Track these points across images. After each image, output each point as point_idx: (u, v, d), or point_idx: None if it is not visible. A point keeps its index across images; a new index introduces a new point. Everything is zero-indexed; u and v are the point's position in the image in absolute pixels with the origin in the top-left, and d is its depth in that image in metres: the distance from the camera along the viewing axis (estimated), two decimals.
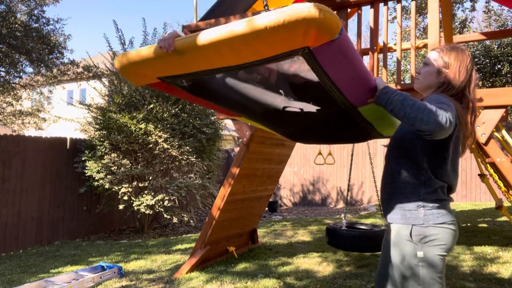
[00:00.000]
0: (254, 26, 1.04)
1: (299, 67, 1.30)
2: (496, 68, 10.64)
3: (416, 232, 1.66)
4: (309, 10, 1.00)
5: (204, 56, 1.29)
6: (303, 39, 1.06)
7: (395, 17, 11.12)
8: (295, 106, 1.66)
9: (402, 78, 8.51)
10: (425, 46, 5.56)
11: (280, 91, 1.56)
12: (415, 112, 1.46)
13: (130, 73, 1.51)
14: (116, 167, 6.41)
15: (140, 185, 6.51)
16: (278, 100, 1.63)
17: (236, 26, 1.10)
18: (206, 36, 1.20)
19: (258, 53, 1.18)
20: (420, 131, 1.51)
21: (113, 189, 6.59)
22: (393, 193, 1.75)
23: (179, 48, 1.31)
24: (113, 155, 6.47)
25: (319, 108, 1.67)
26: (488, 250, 4.89)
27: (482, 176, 4.61)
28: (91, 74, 11.13)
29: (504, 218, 7.16)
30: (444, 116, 1.46)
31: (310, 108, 1.68)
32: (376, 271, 1.91)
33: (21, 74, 11.75)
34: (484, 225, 6.72)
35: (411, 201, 1.69)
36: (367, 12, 3.77)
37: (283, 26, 1.01)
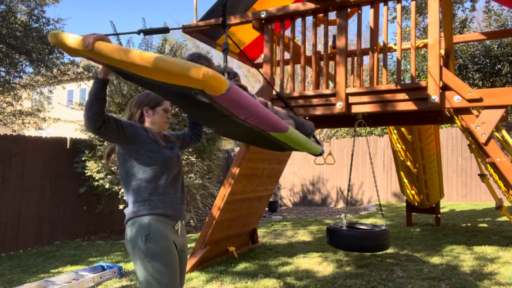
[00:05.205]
0: (159, 66, 1.31)
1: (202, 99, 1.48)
2: (496, 68, 10.63)
3: None
4: (197, 73, 1.26)
5: (118, 65, 1.51)
6: (194, 85, 1.32)
7: (395, 17, 11.12)
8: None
9: (402, 78, 8.52)
10: (425, 46, 5.56)
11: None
12: None
13: (62, 48, 1.70)
14: (116, 167, 6.41)
15: None
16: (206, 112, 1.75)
17: (146, 59, 1.33)
18: (121, 55, 1.41)
19: (164, 79, 1.38)
20: None
21: (113, 189, 6.58)
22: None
23: (97, 51, 1.52)
24: (113, 155, 6.46)
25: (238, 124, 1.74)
26: (488, 250, 4.89)
27: (482, 176, 4.61)
28: (91, 74, 11.12)
29: (504, 218, 7.16)
30: None
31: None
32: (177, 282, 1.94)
33: (21, 74, 11.73)
34: (484, 225, 6.72)
35: None
36: (367, 12, 3.77)
37: (177, 75, 1.29)
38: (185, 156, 6.66)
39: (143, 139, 1.97)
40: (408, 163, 6.14)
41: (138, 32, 1.93)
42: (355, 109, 3.83)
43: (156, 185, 1.96)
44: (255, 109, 1.50)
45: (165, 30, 1.95)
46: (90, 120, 1.76)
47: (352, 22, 18.76)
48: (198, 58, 1.95)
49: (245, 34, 5.21)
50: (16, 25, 10.14)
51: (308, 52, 7.39)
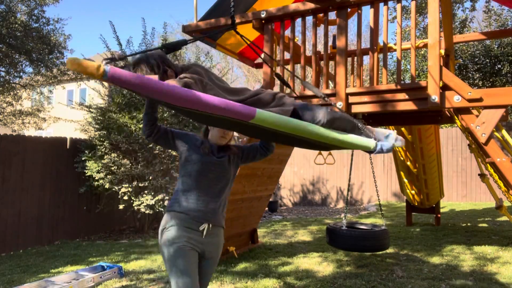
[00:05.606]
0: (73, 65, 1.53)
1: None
2: (496, 68, 10.64)
3: None
4: (83, 66, 1.49)
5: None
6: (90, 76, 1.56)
7: (395, 17, 11.12)
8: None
9: (402, 78, 8.52)
10: (425, 46, 5.56)
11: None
12: None
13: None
14: (116, 167, 6.41)
15: (140, 185, 6.51)
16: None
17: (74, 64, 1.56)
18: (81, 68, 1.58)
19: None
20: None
21: (113, 189, 6.58)
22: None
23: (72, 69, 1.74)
24: (113, 155, 6.47)
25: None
26: (488, 250, 4.89)
27: (482, 176, 4.61)
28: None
29: (504, 218, 7.16)
30: None
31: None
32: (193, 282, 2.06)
33: (21, 74, 11.74)
34: (484, 225, 6.72)
35: None
36: (367, 12, 3.77)
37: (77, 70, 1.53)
38: None
39: (190, 146, 2.23)
40: (408, 163, 6.14)
41: (162, 47, 2.00)
42: (355, 109, 3.83)
43: (187, 186, 2.17)
44: (171, 91, 1.57)
45: (184, 42, 1.99)
46: (142, 129, 2.19)
47: (352, 22, 18.75)
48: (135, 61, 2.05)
49: (245, 34, 5.17)
50: (16, 25, 10.14)
51: (308, 52, 7.39)
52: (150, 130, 2.18)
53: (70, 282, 3.87)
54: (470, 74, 10.96)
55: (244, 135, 2.32)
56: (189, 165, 2.19)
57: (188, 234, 2.10)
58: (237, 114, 1.61)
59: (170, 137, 2.24)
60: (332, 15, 6.28)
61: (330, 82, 6.62)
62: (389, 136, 1.80)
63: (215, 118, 1.70)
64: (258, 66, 6.11)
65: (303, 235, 6.36)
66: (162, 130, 2.23)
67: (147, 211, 6.48)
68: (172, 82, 1.73)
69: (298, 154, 11.39)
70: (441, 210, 7.39)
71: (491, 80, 10.64)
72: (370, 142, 1.76)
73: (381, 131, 1.84)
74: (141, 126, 6.37)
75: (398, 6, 3.68)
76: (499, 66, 10.54)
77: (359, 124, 1.84)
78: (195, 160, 2.19)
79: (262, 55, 4.05)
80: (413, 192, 6.62)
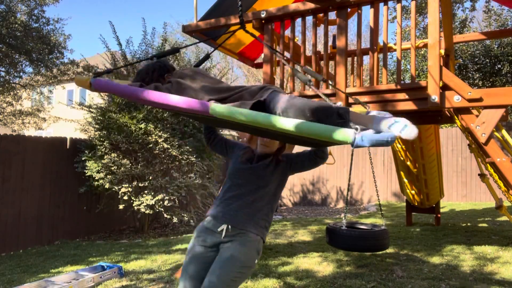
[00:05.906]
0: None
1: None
2: (496, 68, 10.63)
3: None
4: (80, 81, 1.99)
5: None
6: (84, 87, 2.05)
7: (395, 17, 11.12)
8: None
9: (402, 78, 8.53)
10: (425, 46, 5.56)
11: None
12: None
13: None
14: (116, 167, 6.40)
15: (140, 185, 6.51)
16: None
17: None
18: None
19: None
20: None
21: (113, 189, 6.58)
22: None
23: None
24: (113, 155, 6.46)
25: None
26: (488, 250, 4.89)
27: (482, 176, 4.61)
28: (91, 74, 11.12)
29: (504, 218, 7.16)
30: None
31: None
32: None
33: (21, 74, 11.75)
34: (484, 225, 6.72)
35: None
36: (367, 12, 3.76)
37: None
38: (185, 156, 6.66)
39: (236, 155, 2.37)
40: (408, 163, 6.14)
41: (152, 57, 2.22)
42: (355, 109, 3.82)
43: (222, 191, 2.30)
44: (139, 95, 1.80)
45: (176, 50, 2.29)
46: (204, 138, 2.49)
47: (352, 22, 18.74)
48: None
49: (245, 34, 5.21)
50: (16, 25, 10.15)
51: (308, 52, 7.39)
52: (207, 138, 2.44)
53: (70, 282, 3.87)
54: (470, 74, 10.96)
55: (239, 130, 2.44)
56: (229, 170, 2.33)
57: (205, 237, 2.17)
58: (196, 110, 1.70)
59: (224, 147, 2.43)
60: (332, 15, 6.28)
61: (330, 82, 6.61)
62: (393, 126, 1.42)
63: (205, 117, 1.82)
64: (258, 66, 6.11)
65: (303, 235, 6.36)
66: (218, 139, 2.44)
67: (147, 211, 6.48)
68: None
69: None
70: (441, 210, 7.39)
71: (491, 80, 10.64)
72: (347, 134, 1.40)
73: (383, 120, 1.47)
74: (141, 126, 6.38)
75: (398, 6, 3.68)
76: (499, 66, 10.54)
77: (340, 112, 1.49)
78: (231, 168, 2.32)
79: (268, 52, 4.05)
80: (413, 192, 6.62)
